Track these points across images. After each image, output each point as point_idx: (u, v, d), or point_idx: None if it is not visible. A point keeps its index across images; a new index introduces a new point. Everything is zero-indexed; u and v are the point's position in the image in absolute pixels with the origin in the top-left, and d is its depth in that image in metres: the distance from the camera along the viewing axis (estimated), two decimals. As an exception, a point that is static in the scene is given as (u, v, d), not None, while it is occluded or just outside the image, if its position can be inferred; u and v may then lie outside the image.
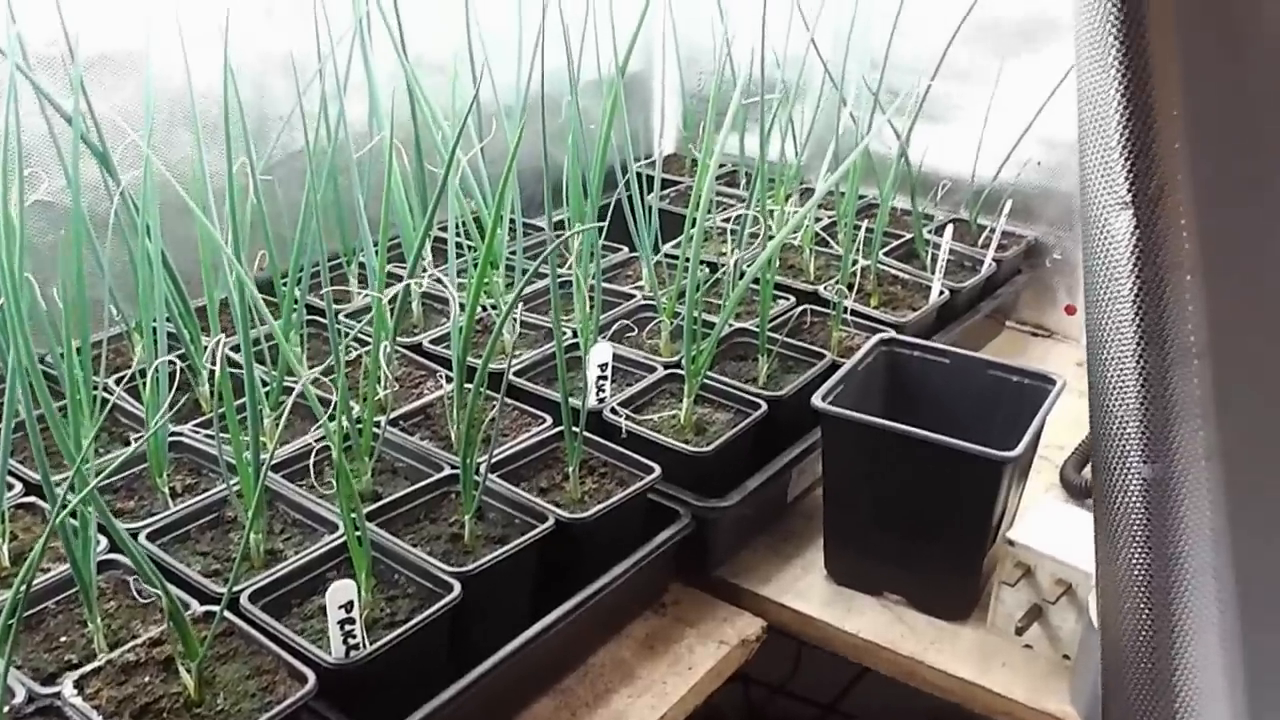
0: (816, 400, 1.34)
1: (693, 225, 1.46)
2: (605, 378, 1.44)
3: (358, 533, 1.12)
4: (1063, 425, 1.46)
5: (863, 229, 1.78)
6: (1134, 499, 0.77)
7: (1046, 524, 1.33)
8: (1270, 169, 0.75)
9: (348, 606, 1.03)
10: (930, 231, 2.01)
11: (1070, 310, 2.09)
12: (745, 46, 1.87)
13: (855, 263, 1.78)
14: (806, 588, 1.44)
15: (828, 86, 1.95)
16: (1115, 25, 0.69)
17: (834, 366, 1.55)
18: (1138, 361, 0.74)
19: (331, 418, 1.23)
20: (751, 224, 1.68)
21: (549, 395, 1.48)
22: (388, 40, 1.63)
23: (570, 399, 1.32)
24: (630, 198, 1.71)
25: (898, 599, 1.41)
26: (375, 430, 1.34)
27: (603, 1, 1.71)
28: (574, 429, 1.31)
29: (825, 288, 1.80)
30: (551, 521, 1.24)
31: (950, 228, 1.78)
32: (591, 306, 1.53)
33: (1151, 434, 0.75)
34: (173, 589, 1.11)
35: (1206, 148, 0.70)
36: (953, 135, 2.07)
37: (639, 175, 1.74)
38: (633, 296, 1.75)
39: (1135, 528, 0.77)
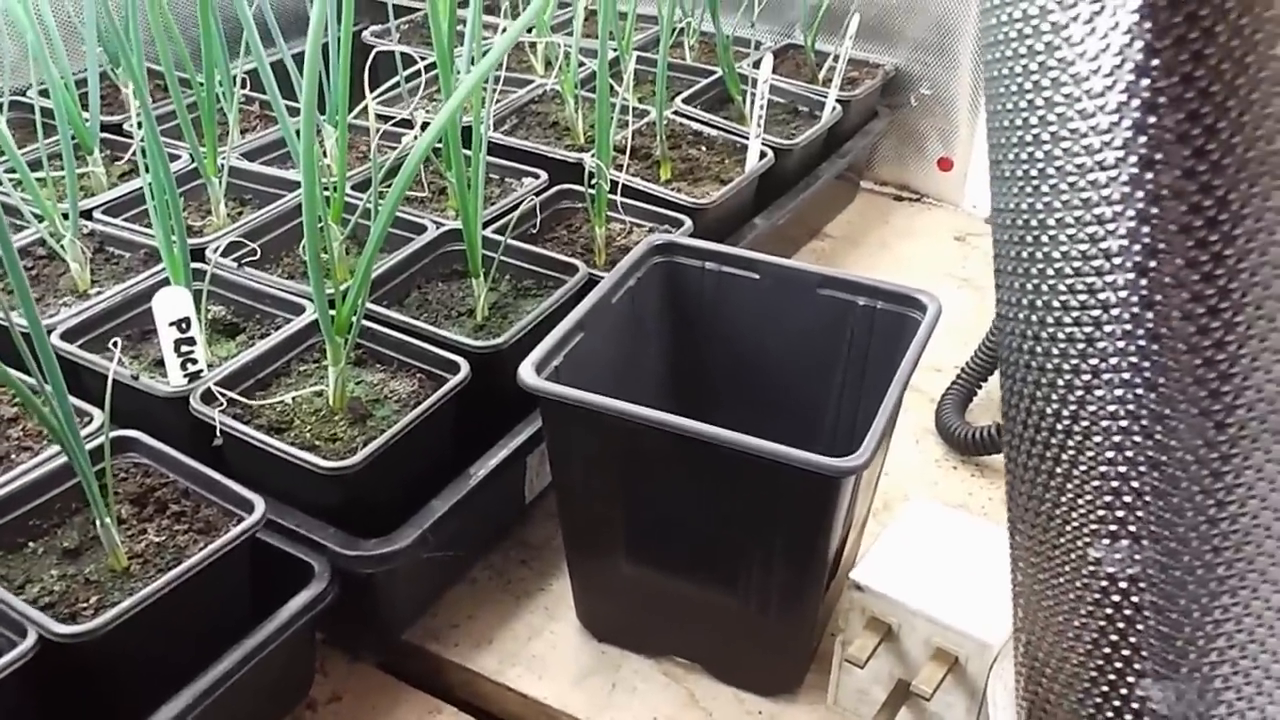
0: (525, 371, 0.78)
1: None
2: (191, 341, 0.86)
3: None
4: (937, 336, 0.90)
5: (657, 68, 1.20)
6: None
7: (918, 548, 0.82)
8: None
9: None
10: (749, 65, 1.44)
11: (945, 165, 1.55)
12: None
13: (643, 114, 1.20)
14: (548, 650, 0.91)
15: None
16: None
17: (589, 285, 0.99)
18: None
19: None
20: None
21: (105, 370, 0.89)
22: None
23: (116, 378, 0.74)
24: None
25: (690, 665, 0.89)
26: None
27: None
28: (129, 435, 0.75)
29: (592, 158, 1.22)
30: (32, 639, 0.67)
31: (769, 57, 1.21)
32: (240, 207, 0.94)
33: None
34: None
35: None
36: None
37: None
38: (296, 186, 1.14)
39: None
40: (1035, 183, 0.44)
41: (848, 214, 1.54)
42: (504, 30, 1.29)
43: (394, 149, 1.16)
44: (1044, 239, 0.44)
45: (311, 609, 0.79)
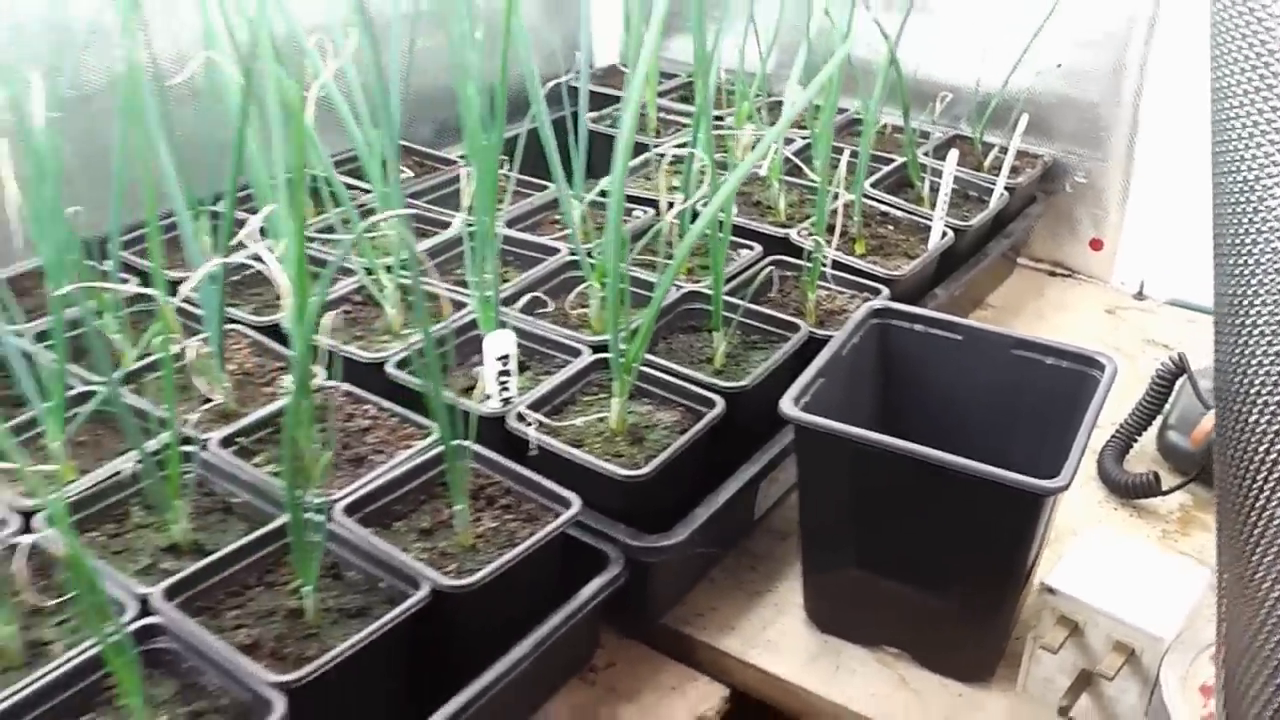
0: (786, 404, 0.99)
1: (631, 151, 1.08)
2: (508, 373, 1.09)
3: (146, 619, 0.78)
4: None
5: (845, 154, 1.41)
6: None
7: (1098, 562, 1.00)
8: None
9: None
10: (927, 154, 1.65)
11: (1096, 245, 1.73)
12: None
13: (835, 197, 1.41)
14: (780, 636, 1.10)
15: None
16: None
17: (810, 342, 1.20)
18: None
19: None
20: (706, 150, 1.32)
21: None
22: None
23: (457, 402, 0.97)
24: (575, 116, 1.33)
25: (900, 654, 1.08)
26: (190, 453, 0.99)
27: None
28: (466, 444, 0.97)
29: (798, 232, 1.44)
30: (425, 591, 0.89)
31: (954, 154, 1.42)
32: (503, 268, 1.17)
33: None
34: None
35: None
36: (951, 34, 1.69)
37: (569, 90, 1.36)
38: (555, 252, 1.38)
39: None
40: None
41: (1007, 287, 1.72)
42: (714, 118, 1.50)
43: (626, 220, 1.39)
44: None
45: (608, 587, 1.00)
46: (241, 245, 0.93)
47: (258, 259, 0.93)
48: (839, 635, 1.10)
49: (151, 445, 0.97)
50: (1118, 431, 1.32)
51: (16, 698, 0.80)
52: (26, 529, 0.94)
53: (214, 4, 1.09)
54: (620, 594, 1.02)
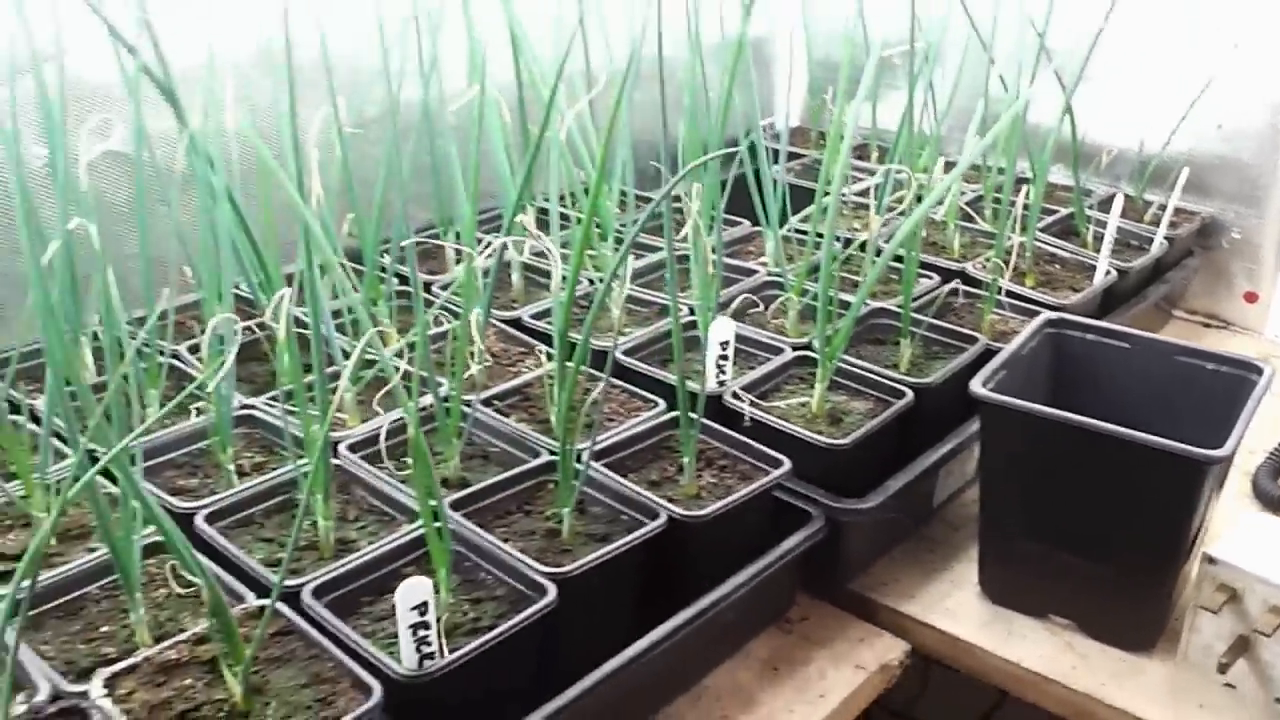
0: (975, 386, 1.14)
1: (827, 186, 1.27)
2: (726, 358, 1.26)
3: (437, 524, 0.96)
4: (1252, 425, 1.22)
5: (1016, 204, 1.56)
6: None
7: (1254, 540, 1.11)
8: None
9: (422, 608, 0.87)
10: (1091, 207, 1.78)
11: (1251, 298, 1.84)
12: (877, 6, 1.68)
13: (1008, 239, 1.56)
14: (957, 606, 1.23)
15: (972, 47, 1.74)
16: None
17: (987, 353, 1.35)
18: None
19: (414, 394, 1.07)
20: (891, 192, 1.49)
21: (663, 377, 1.30)
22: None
23: (686, 380, 1.14)
24: (758, 170, 1.54)
25: (1067, 623, 1.20)
26: (465, 409, 1.18)
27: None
28: (690, 415, 1.14)
29: (974, 265, 1.59)
30: (663, 519, 1.06)
31: (1120, 199, 1.55)
32: (712, 277, 1.35)
33: None
34: (229, 579, 0.97)
35: None
36: (1115, 98, 1.84)
37: (764, 149, 1.56)
38: (756, 272, 1.56)
39: None
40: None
41: (1164, 335, 1.83)
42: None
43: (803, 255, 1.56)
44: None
45: (810, 539, 1.15)
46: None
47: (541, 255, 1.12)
48: (1010, 607, 1.22)
49: (426, 400, 1.17)
50: (1271, 454, 1.42)
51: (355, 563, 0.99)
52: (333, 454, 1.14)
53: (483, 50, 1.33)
54: (817, 555, 1.17)
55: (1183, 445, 1.03)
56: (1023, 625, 1.20)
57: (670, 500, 1.11)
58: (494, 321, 1.42)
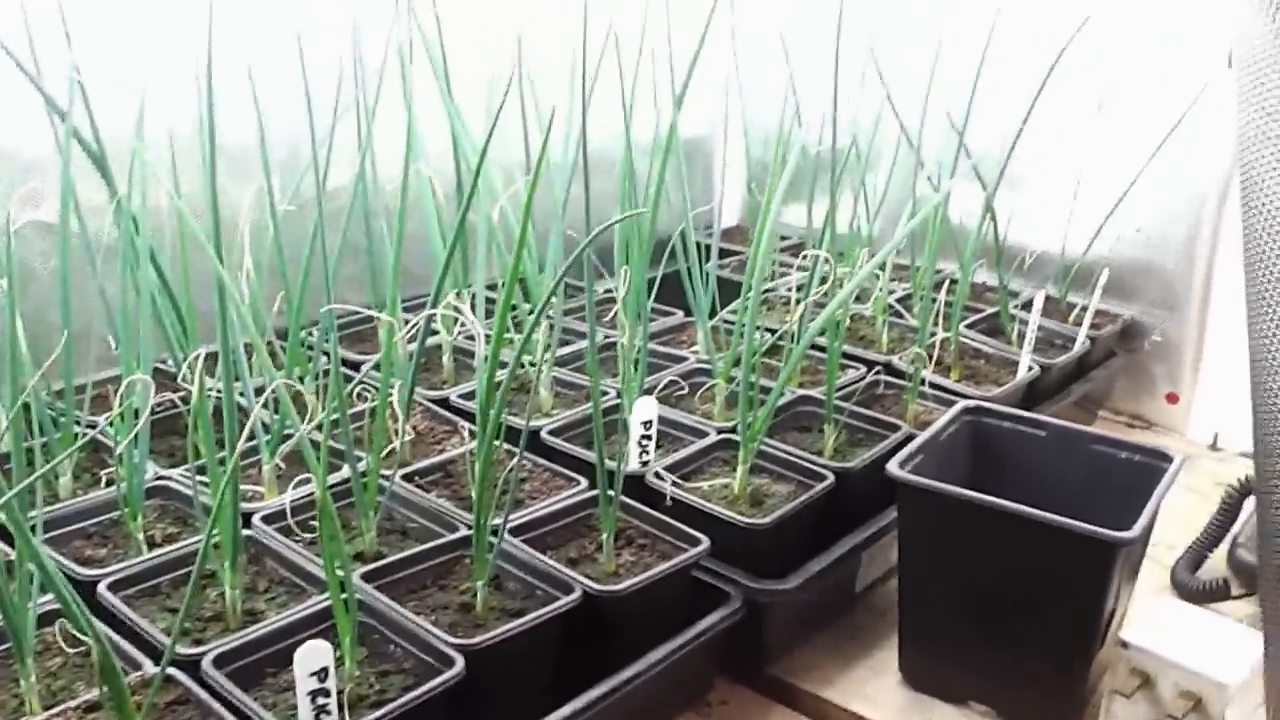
0: (893, 467, 1.15)
1: (753, 278, 1.29)
2: (649, 438, 1.27)
3: (344, 594, 0.94)
4: (1169, 521, 1.27)
5: (940, 301, 1.60)
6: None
7: (1166, 625, 1.12)
8: None
9: (322, 674, 0.85)
10: (1016, 307, 1.83)
11: (1172, 399, 1.88)
12: (816, 111, 1.73)
13: (933, 334, 1.60)
14: (876, 692, 1.22)
15: (903, 152, 1.80)
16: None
17: (909, 440, 1.36)
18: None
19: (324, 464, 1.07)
20: (817, 285, 1.52)
21: (586, 456, 1.30)
22: (430, 83, 1.52)
23: (608, 460, 1.14)
24: (689, 269, 1.58)
25: (985, 710, 1.19)
26: (383, 483, 1.17)
27: (666, 60, 1.59)
28: (609, 493, 1.14)
29: (900, 358, 1.62)
30: (578, 593, 1.05)
31: (1041, 296, 1.60)
32: (636, 365, 1.36)
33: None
34: (127, 647, 0.94)
35: None
36: (1038, 202, 1.90)
37: (698, 245, 1.59)
38: (686, 359, 1.58)
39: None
40: None
41: (1086, 432, 1.86)
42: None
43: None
44: None
45: (729, 619, 1.14)
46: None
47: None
48: (930, 693, 1.22)
49: (345, 474, 1.16)
50: (1190, 548, 1.44)
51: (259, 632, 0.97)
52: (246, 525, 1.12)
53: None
54: (737, 637, 1.16)
55: (1093, 527, 1.04)
56: (942, 712, 1.20)
57: (587, 576, 1.10)
58: (422, 400, 1.42)
